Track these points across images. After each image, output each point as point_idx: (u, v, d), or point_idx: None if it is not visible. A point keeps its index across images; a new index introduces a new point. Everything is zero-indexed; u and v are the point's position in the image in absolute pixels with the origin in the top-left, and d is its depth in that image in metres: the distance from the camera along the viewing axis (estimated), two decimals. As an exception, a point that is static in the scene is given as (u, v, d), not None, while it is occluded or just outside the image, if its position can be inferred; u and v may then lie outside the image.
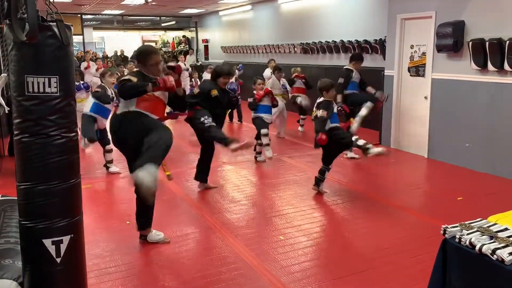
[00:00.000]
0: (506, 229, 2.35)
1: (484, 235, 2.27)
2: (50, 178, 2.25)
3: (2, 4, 3.13)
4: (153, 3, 14.10)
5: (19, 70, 2.15)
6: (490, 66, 5.64)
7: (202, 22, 18.97)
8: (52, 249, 2.27)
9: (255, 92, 6.48)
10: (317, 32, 10.76)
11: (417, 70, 6.91)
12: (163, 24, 21.36)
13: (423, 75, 6.80)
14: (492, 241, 2.22)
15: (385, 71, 7.54)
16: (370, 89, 6.81)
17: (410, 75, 7.05)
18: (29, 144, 2.20)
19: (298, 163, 6.64)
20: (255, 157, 6.70)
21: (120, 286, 3.17)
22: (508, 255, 2.07)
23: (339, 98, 6.50)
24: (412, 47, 6.98)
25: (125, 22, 20.32)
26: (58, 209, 2.28)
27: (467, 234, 2.31)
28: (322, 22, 10.64)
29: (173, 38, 22.51)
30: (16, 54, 2.14)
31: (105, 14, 18.53)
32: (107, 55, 19.75)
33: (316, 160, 6.36)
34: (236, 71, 10.68)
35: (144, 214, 3.79)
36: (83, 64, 11.90)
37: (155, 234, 3.86)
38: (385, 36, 7.80)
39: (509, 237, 2.25)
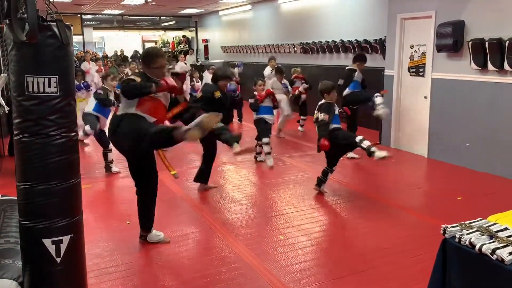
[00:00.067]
0: (506, 228, 2.35)
1: (484, 234, 2.27)
2: (50, 178, 2.25)
3: (2, 4, 3.13)
4: (153, 3, 14.10)
5: (19, 70, 2.15)
6: (490, 66, 5.64)
7: (202, 22, 18.97)
8: (52, 249, 2.27)
9: (256, 93, 6.46)
10: (317, 32, 10.76)
11: (417, 70, 6.91)
12: (163, 24, 21.36)
13: (423, 75, 6.80)
14: (492, 240, 2.22)
15: (385, 70, 7.54)
16: (378, 99, 6.58)
17: (410, 75, 7.05)
18: (29, 144, 2.20)
19: (298, 163, 6.64)
20: (255, 157, 6.70)
21: (120, 286, 3.18)
22: (507, 254, 2.07)
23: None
24: (412, 46, 6.98)
25: (125, 22, 20.33)
26: (58, 209, 2.28)
27: (467, 234, 2.31)
28: (322, 22, 10.64)
29: (173, 38, 22.50)
30: (16, 54, 2.14)
31: (105, 14, 18.54)
32: (107, 55, 19.74)
33: (316, 160, 6.37)
34: (236, 69, 10.66)
35: (145, 213, 3.80)
36: (84, 64, 11.90)
37: (155, 234, 3.86)
38: (385, 36, 7.80)
39: (509, 236, 2.25)
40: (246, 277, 3.29)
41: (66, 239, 2.30)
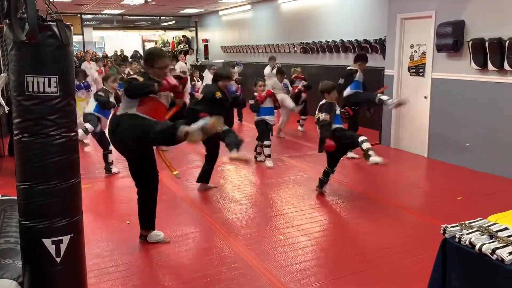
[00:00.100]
0: (506, 228, 2.35)
1: (484, 234, 2.27)
2: (50, 178, 2.24)
3: (2, 3, 3.13)
4: (153, 2, 14.10)
5: (19, 69, 2.15)
6: (490, 66, 5.64)
7: (202, 22, 18.97)
8: (52, 249, 2.27)
9: (256, 94, 6.45)
10: (317, 31, 10.76)
11: (417, 69, 6.91)
12: (163, 24, 21.36)
13: (423, 75, 6.80)
14: (492, 240, 2.22)
15: (385, 70, 7.54)
16: (384, 96, 6.47)
17: (410, 75, 7.05)
18: (29, 144, 2.20)
19: (298, 162, 6.64)
20: (255, 157, 6.70)
21: (120, 285, 3.18)
22: (507, 254, 2.07)
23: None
24: (412, 46, 6.98)
25: (125, 22, 20.32)
26: (58, 209, 2.28)
27: (467, 233, 2.31)
28: (322, 21, 10.64)
29: (173, 38, 22.50)
30: (16, 54, 2.14)
31: (105, 14, 18.54)
32: (107, 54, 19.74)
33: (316, 160, 6.37)
34: (236, 68, 10.66)
35: (145, 213, 3.80)
36: (84, 64, 11.89)
37: (155, 234, 3.86)
38: (385, 36, 7.80)
39: (509, 236, 2.25)
40: (246, 277, 3.29)
41: (66, 239, 2.30)
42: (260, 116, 6.46)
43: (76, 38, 16.68)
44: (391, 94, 7.23)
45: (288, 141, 8.23)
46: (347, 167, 6.34)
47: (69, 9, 15.32)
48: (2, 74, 3.59)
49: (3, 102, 4.15)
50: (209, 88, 5.15)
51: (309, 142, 8.00)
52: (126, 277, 3.29)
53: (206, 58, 18.47)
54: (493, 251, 2.12)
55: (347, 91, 6.64)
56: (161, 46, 22.30)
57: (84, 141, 7.44)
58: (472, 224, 2.43)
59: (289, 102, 7.93)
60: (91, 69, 11.45)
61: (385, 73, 7.50)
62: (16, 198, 2.36)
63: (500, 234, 2.28)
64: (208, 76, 10.09)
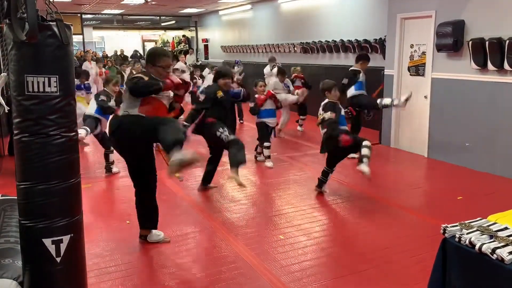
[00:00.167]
0: (506, 228, 2.35)
1: (484, 234, 2.27)
2: (50, 177, 2.25)
3: (2, 3, 3.13)
4: (153, 2, 14.10)
5: (19, 69, 2.15)
6: (490, 66, 5.64)
7: (202, 22, 18.97)
8: (52, 249, 2.27)
9: (256, 95, 6.44)
10: (317, 31, 10.76)
11: (417, 69, 6.91)
12: (163, 24, 21.37)
13: (423, 75, 6.80)
14: (492, 240, 2.22)
15: (385, 70, 7.54)
16: (386, 100, 6.55)
17: (410, 75, 7.05)
18: (29, 143, 2.20)
19: (298, 162, 6.64)
20: (255, 157, 6.71)
21: (120, 285, 3.18)
22: (507, 254, 2.08)
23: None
24: (412, 46, 6.98)
25: (125, 22, 20.33)
26: (58, 209, 2.28)
27: (467, 233, 2.31)
28: (322, 21, 10.64)
29: (173, 38, 22.50)
30: (16, 54, 2.14)
31: (105, 14, 18.54)
32: (107, 54, 19.74)
33: (316, 160, 6.37)
34: (236, 67, 10.67)
35: (145, 213, 3.80)
36: (85, 64, 11.90)
37: (155, 234, 3.86)
38: (385, 36, 7.80)
39: (508, 236, 2.25)
40: (246, 277, 3.29)
41: (66, 238, 2.30)
42: (260, 118, 6.45)
43: (76, 38, 16.69)
44: (391, 94, 7.24)
45: (287, 141, 8.24)
46: (347, 167, 6.34)
47: (69, 9, 15.32)
48: (2, 74, 3.59)
49: (3, 102, 4.15)
50: (210, 88, 5.13)
51: (309, 141, 8.00)
52: (126, 276, 3.29)
53: (206, 58, 18.47)
54: (493, 250, 2.12)
55: (351, 92, 6.65)
56: (161, 46, 22.29)
57: (84, 141, 7.43)
58: (472, 223, 2.43)
59: (292, 97, 7.93)
60: (92, 69, 11.46)
61: (385, 73, 7.50)
62: (16, 198, 2.36)
63: (500, 233, 2.28)
64: (209, 76, 10.11)
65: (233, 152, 4.56)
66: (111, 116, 3.78)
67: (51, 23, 2.17)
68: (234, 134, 4.99)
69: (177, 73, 11.42)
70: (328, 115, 4.70)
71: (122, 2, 13.96)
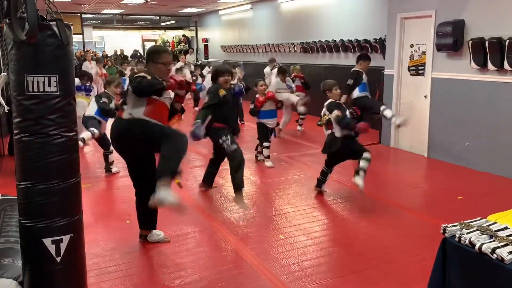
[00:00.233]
0: (505, 228, 2.36)
1: (484, 234, 2.27)
2: (50, 177, 2.24)
3: (2, 3, 3.13)
4: (153, 2, 14.10)
5: (18, 69, 2.15)
6: (490, 65, 5.64)
7: (202, 22, 18.97)
8: (52, 248, 2.27)
9: (257, 95, 6.42)
10: (317, 31, 10.76)
11: (417, 69, 6.91)
12: (163, 24, 21.37)
13: (423, 74, 6.80)
14: (491, 240, 2.22)
15: (385, 70, 7.54)
16: (388, 112, 6.57)
17: (410, 74, 7.05)
18: (29, 143, 2.20)
19: (297, 162, 6.64)
20: (256, 156, 6.71)
21: (120, 285, 3.18)
22: (507, 254, 2.08)
23: (343, 99, 6.52)
24: (412, 46, 6.98)
25: (125, 22, 20.33)
26: (58, 208, 2.28)
27: (467, 233, 2.31)
28: (322, 21, 10.64)
29: (173, 38, 22.51)
30: (15, 53, 2.14)
31: (105, 14, 18.55)
32: (106, 54, 19.75)
33: (316, 160, 6.37)
34: (237, 68, 10.69)
35: (144, 213, 3.79)
36: (85, 64, 11.90)
37: (155, 233, 3.86)
38: (385, 35, 7.80)
39: (508, 236, 2.25)
40: (246, 277, 3.29)
41: (66, 238, 2.30)
42: (260, 119, 6.44)
43: (76, 38, 16.69)
44: (391, 94, 7.25)
45: (287, 140, 8.23)
46: (347, 167, 6.33)
47: (69, 8, 15.32)
48: (2, 74, 3.59)
49: (3, 102, 4.15)
50: (212, 89, 5.07)
51: (309, 141, 8.00)
52: (126, 276, 3.29)
53: (206, 57, 18.48)
54: (493, 250, 2.12)
55: (356, 93, 6.67)
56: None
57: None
58: (472, 223, 2.43)
59: (294, 98, 7.94)
60: (92, 69, 11.47)
61: (385, 73, 7.50)
62: (16, 197, 2.36)
63: (500, 233, 2.28)
64: (209, 75, 10.14)
65: (232, 173, 4.60)
66: (113, 119, 3.74)
67: (51, 22, 2.17)
68: (238, 132, 4.94)
69: (185, 69, 11.58)
70: (336, 113, 4.65)
71: (122, 2, 13.96)
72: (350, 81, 6.67)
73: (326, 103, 4.85)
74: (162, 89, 3.32)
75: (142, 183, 3.71)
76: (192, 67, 13.92)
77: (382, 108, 6.54)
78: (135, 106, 3.38)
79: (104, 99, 5.84)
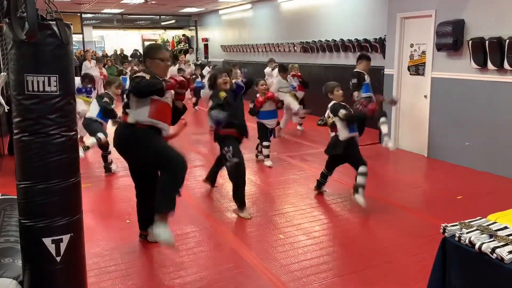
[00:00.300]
0: (505, 227, 2.35)
1: (483, 233, 2.27)
2: (50, 177, 2.25)
3: (2, 2, 3.12)
4: (153, 2, 14.10)
5: (18, 69, 2.15)
6: (490, 65, 5.64)
7: (202, 21, 18.97)
8: (52, 248, 2.27)
9: (258, 95, 6.41)
10: (317, 31, 10.76)
11: (417, 69, 6.91)
12: (163, 23, 21.37)
13: (423, 74, 6.80)
14: (491, 239, 2.22)
15: (385, 70, 7.54)
16: (384, 128, 6.61)
17: (410, 74, 7.05)
18: (28, 143, 2.20)
19: (297, 162, 6.65)
20: (256, 155, 6.71)
21: (120, 285, 3.18)
22: (507, 253, 2.08)
23: (356, 94, 6.54)
24: (412, 46, 6.98)
25: (125, 21, 20.33)
26: (58, 208, 2.29)
27: (467, 232, 2.31)
28: (322, 21, 10.64)
29: (173, 37, 22.51)
30: (15, 53, 2.14)
31: (105, 13, 18.54)
32: (106, 54, 19.75)
33: (316, 159, 6.37)
34: (238, 71, 10.70)
35: (144, 214, 3.79)
36: (85, 64, 11.90)
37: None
38: (385, 35, 7.80)
39: (508, 235, 2.25)
40: (246, 276, 3.29)
41: (66, 238, 2.31)
42: (259, 119, 6.44)
43: (76, 37, 16.69)
44: (391, 94, 7.24)
45: (287, 140, 8.23)
46: (347, 167, 6.32)
47: (69, 8, 15.31)
48: (2, 73, 3.59)
49: (3, 101, 4.15)
50: (213, 93, 5.02)
51: (309, 141, 8.00)
52: (126, 276, 3.29)
53: (206, 57, 18.47)
54: (493, 250, 2.12)
55: (360, 94, 6.66)
56: (161, 45, 22.28)
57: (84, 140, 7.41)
58: (472, 223, 2.43)
59: (294, 105, 7.95)
60: (92, 69, 11.47)
61: (385, 73, 7.50)
62: (16, 197, 2.36)
63: (499, 233, 2.28)
64: (209, 75, 10.19)
65: (233, 190, 4.53)
66: (117, 125, 3.72)
67: (51, 22, 2.17)
68: (246, 133, 4.79)
69: (185, 67, 11.65)
70: (343, 112, 4.60)
71: (122, 2, 13.95)
72: (354, 80, 6.66)
73: (329, 105, 4.76)
74: (162, 89, 3.26)
75: (143, 184, 3.71)
76: (193, 66, 13.96)
77: (381, 120, 6.52)
78: (138, 108, 3.33)
79: (106, 99, 5.80)
